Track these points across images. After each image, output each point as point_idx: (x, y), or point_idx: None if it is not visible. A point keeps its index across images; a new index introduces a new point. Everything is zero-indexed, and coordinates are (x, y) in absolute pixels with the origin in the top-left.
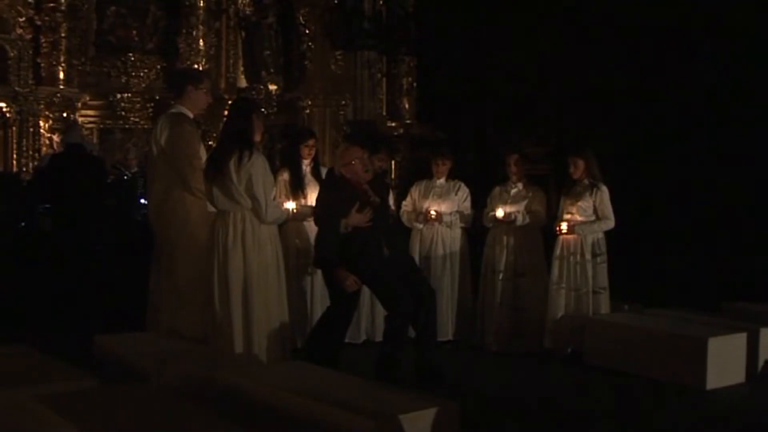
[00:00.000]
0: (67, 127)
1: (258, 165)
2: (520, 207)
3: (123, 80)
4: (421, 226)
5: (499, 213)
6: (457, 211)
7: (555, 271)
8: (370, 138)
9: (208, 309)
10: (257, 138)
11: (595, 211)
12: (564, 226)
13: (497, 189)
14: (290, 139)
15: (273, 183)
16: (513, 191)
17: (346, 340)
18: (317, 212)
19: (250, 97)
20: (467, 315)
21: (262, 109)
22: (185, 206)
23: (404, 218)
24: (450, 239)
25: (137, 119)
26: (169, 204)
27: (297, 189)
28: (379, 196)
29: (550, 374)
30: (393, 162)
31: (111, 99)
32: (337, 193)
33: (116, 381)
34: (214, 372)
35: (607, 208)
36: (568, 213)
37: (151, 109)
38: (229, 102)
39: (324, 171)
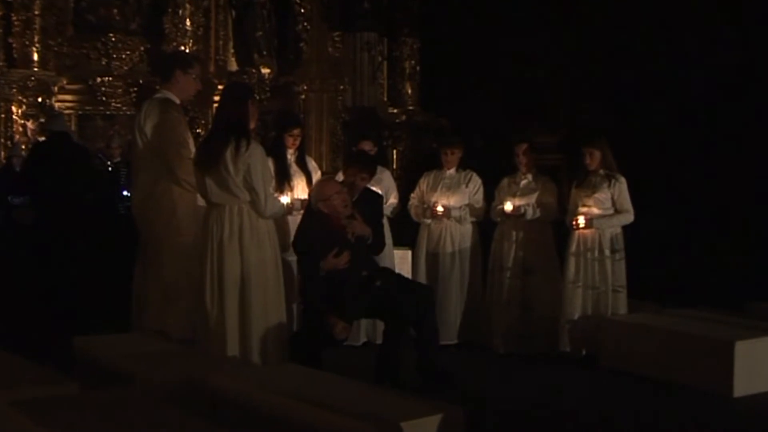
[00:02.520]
0: (50, 115)
1: (257, 155)
2: (529, 200)
3: (103, 63)
4: (428, 221)
5: (508, 206)
6: (467, 205)
7: (571, 268)
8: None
9: (200, 309)
10: (252, 126)
11: (613, 203)
12: (581, 220)
13: (505, 181)
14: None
15: (272, 174)
16: (522, 183)
17: (346, 342)
18: (298, 250)
19: (245, 82)
20: (477, 315)
21: (255, 95)
22: (172, 199)
23: (411, 212)
24: (459, 235)
25: (119, 105)
26: (155, 196)
27: (283, 180)
28: (372, 221)
29: (562, 378)
30: (395, 151)
31: (90, 83)
32: (315, 232)
33: (98, 386)
34: (204, 375)
35: (627, 201)
36: (584, 206)
37: (134, 95)
38: (219, 87)
39: (310, 161)
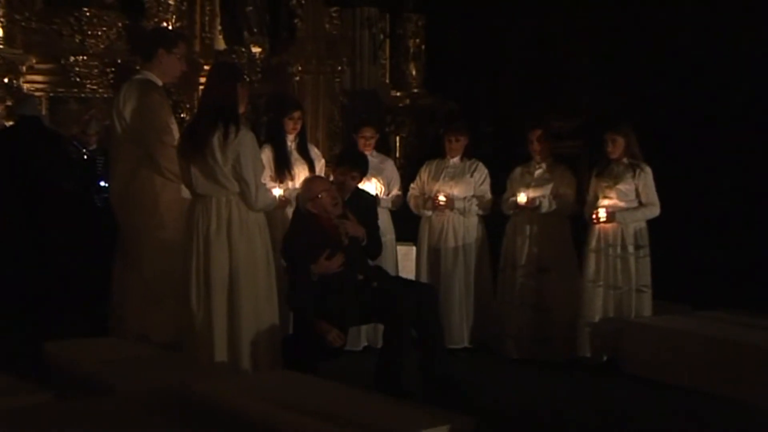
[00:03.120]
0: (19, 97)
1: (247, 142)
2: (545, 191)
3: (77, 40)
4: (429, 213)
5: (521, 198)
6: (472, 196)
7: (591, 266)
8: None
9: (184, 310)
10: (241, 110)
11: (637, 195)
12: (602, 213)
13: (518, 170)
14: (273, 112)
15: (263, 163)
16: (536, 173)
17: (345, 348)
18: (286, 256)
19: (233, 62)
20: (486, 317)
21: (245, 76)
22: (154, 189)
23: (411, 204)
24: (463, 229)
25: (95, 87)
26: (136, 187)
27: (283, 168)
28: (366, 224)
29: (581, 386)
30: (397, 138)
31: (63, 62)
32: (305, 235)
33: (74, 395)
34: (190, 383)
35: (652, 192)
36: (605, 198)
37: (111, 76)
38: (205, 67)
39: (312, 148)
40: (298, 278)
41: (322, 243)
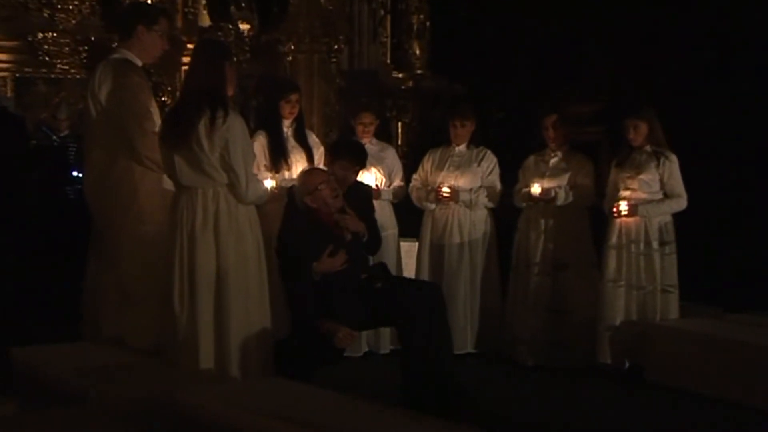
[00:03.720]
0: None
1: (236, 128)
2: (561, 181)
3: (45, 15)
4: (432, 206)
5: (536, 189)
6: (480, 187)
7: (611, 263)
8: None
9: (166, 312)
10: (230, 92)
11: (662, 186)
12: (623, 205)
13: (532, 159)
14: (267, 94)
15: (254, 152)
16: (552, 161)
17: (345, 353)
18: (282, 254)
19: (220, 40)
20: (494, 320)
21: (233, 56)
22: (133, 180)
23: (413, 196)
24: (469, 223)
25: (66, 67)
26: (112, 177)
27: (278, 156)
28: (364, 216)
29: (601, 395)
30: (399, 124)
31: (30, 39)
32: (304, 231)
33: (42, 406)
34: (172, 392)
35: (679, 183)
36: (627, 189)
37: (84, 54)
38: (189, 46)
39: (310, 135)
40: (299, 278)
41: (323, 239)
